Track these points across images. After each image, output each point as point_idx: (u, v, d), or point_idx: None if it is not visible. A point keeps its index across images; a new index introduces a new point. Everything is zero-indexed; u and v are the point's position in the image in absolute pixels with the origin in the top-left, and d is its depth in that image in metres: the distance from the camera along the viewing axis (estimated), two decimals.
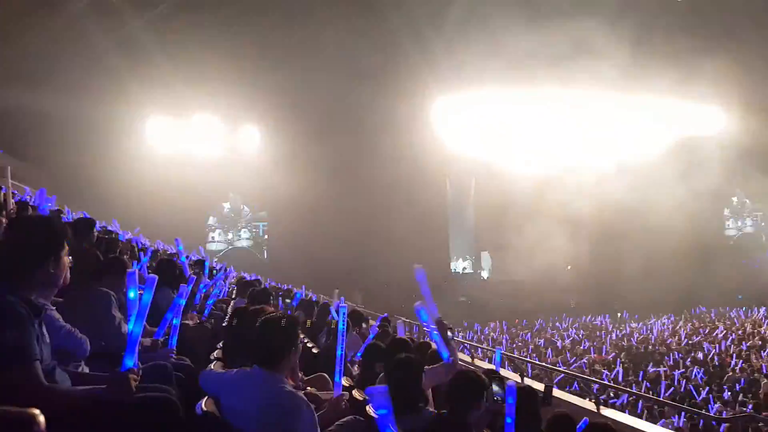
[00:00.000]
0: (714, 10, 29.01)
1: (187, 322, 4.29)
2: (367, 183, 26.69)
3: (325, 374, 3.63)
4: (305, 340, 5.04)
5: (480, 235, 32.54)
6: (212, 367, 2.93)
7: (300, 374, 3.45)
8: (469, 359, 8.81)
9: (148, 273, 4.86)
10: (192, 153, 26.76)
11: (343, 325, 3.04)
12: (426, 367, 3.82)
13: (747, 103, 29.68)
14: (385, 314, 7.48)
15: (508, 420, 2.59)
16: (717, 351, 15.16)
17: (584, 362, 14.70)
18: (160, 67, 22.55)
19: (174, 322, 3.22)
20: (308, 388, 3.15)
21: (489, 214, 30.40)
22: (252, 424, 2.31)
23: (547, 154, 28.47)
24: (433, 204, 29.59)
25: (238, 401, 2.39)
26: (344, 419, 2.71)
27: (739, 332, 18.56)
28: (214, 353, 3.38)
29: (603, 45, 24.81)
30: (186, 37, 22.53)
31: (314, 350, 4.68)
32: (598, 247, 28.45)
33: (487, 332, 21.75)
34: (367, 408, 2.74)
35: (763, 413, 9.50)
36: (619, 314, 24.27)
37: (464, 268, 32.53)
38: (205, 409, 2.33)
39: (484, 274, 32.30)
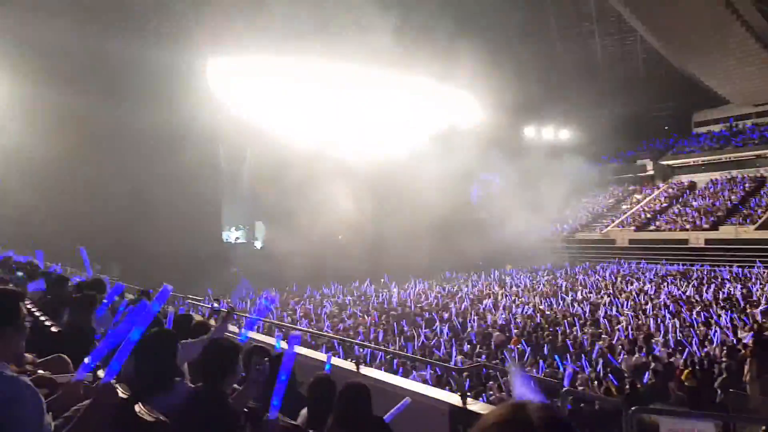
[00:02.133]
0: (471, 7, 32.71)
1: None
2: (129, 145, 24.15)
3: (64, 355, 3.19)
4: (42, 318, 4.40)
5: (254, 204, 32.15)
6: None
7: (31, 356, 2.98)
8: (235, 329, 8.66)
9: None
10: None
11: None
12: (186, 341, 3.64)
13: (496, 101, 34.48)
14: (149, 289, 6.93)
15: (282, 378, 2.64)
16: (460, 311, 17.45)
17: (349, 324, 15.62)
18: None
19: None
20: (39, 371, 2.74)
21: (264, 183, 30.13)
22: None
23: (322, 123, 29.06)
24: (205, 171, 28.19)
25: None
26: (84, 402, 2.42)
27: (476, 293, 21.67)
28: None
29: (370, 22, 26.00)
30: None
31: (54, 329, 4.10)
32: (368, 218, 30.31)
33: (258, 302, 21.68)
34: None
35: (494, 361, 11.35)
36: (382, 280, 26.13)
37: (237, 238, 31.92)
38: None
39: (258, 244, 32.12)
